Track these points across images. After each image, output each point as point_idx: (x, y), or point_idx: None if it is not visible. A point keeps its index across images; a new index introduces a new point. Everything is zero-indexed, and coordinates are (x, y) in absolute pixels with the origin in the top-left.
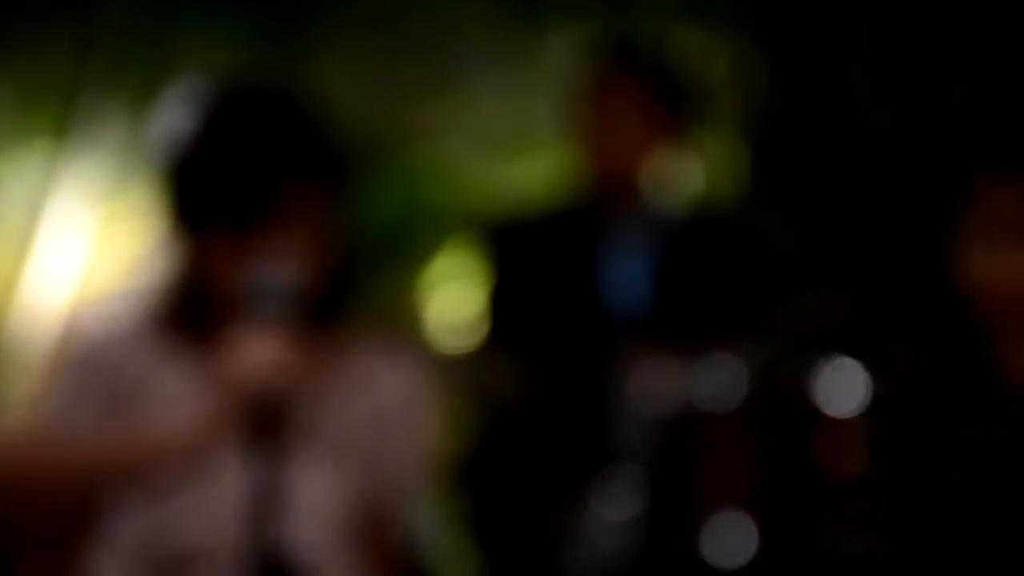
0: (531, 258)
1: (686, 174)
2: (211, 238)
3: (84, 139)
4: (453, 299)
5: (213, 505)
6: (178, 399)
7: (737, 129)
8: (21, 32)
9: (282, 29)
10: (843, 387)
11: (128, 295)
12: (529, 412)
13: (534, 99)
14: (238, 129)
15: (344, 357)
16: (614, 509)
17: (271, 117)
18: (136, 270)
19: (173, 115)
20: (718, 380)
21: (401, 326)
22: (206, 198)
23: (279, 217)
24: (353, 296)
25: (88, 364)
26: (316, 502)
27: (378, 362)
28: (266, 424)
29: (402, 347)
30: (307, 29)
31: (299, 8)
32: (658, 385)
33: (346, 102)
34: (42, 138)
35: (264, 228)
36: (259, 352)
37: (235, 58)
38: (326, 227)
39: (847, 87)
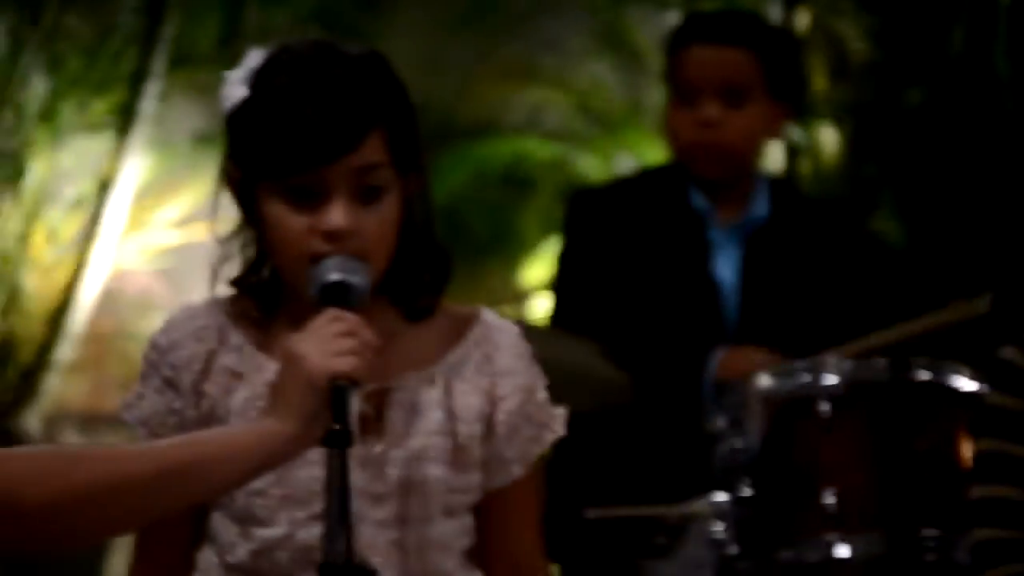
0: (630, 242)
1: (783, 162)
2: (283, 209)
3: (149, 129)
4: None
5: (294, 497)
6: (242, 376)
7: (840, 115)
8: (84, 21)
9: (350, 14)
10: (974, 385)
11: (196, 299)
12: (626, 413)
13: (631, 84)
14: (311, 76)
15: (440, 341)
16: (715, 522)
17: (346, 66)
18: (207, 257)
19: (245, 74)
20: (835, 377)
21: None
22: (271, 148)
23: (359, 178)
24: (446, 276)
25: (150, 359)
26: (411, 478)
27: (484, 344)
28: (338, 413)
29: (509, 327)
30: (375, 15)
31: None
32: (764, 385)
33: (435, 85)
34: (106, 129)
35: (340, 194)
36: (340, 342)
37: None
38: (411, 198)
39: (978, 67)
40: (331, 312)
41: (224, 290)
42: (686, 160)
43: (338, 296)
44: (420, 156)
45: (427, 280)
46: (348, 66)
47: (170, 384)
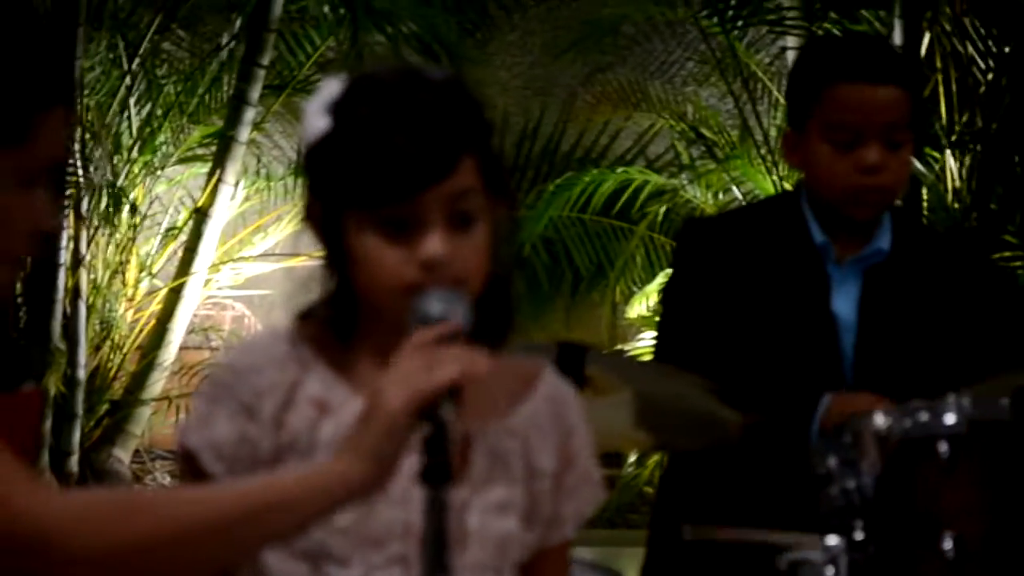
0: (745, 274)
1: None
2: (375, 240)
3: (245, 158)
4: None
5: (372, 538)
6: (328, 408)
7: (965, 143)
8: (182, 48)
9: (453, 38)
10: None
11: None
12: (735, 452)
13: (743, 112)
14: (398, 103)
15: (510, 391)
16: (827, 566)
17: (432, 91)
18: (295, 289)
19: (325, 104)
20: (955, 416)
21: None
22: (363, 178)
23: (452, 204)
24: (514, 313)
25: (224, 381)
26: (488, 528)
27: (553, 401)
28: (436, 447)
29: (569, 385)
30: (479, 39)
31: (466, 19)
32: (880, 424)
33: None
34: (202, 158)
35: (435, 222)
36: (431, 355)
37: None
38: (501, 230)
39: None
40: (416, 336)
41: (300, 310)
42: (842, 204)
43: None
44: (508, 181)
45: (499, 316)
46: (434, 91)
47: (247, 410)
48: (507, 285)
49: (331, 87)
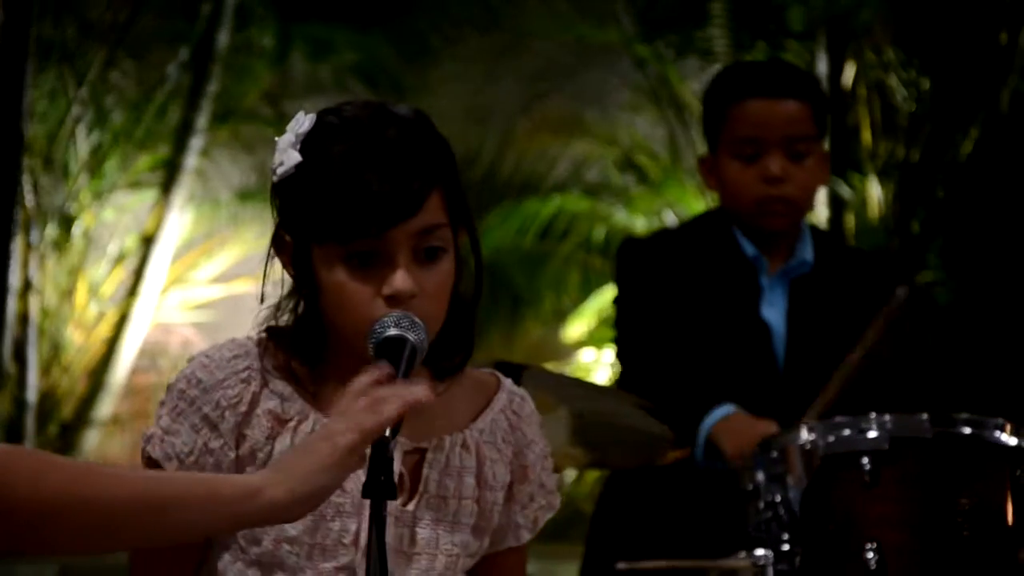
0: (682, 287)
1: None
2: (343, 274)
3: (191, 185)
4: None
5: (322, 547)
6: (285, 422)
7: (887, 169)
8: (129, 78)
9: (393, 68)
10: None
11: (240, 339)
12: (664, 469)
13: (674, 139)
14: (367, 141)
15: (467, 404)
16: None
17: (400, 127)
18: (248, 312)
19: (295, 140)
20: (877, 432)
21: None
22: (334, 214)
23: (420, 239)
24: (472, 336)
25: (189, 396)
26: (439, 541)
27: (509, 413)
28: (383, 471)
29: (525, 395)
30: (418, 69)
31: (406, 49)
32: (804, 439)
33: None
34: (150, 185)
35: (402, 257)
36: (379, 400)
37: (344, 97)
38: (462, 257)
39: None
40: (356, 381)
41: (263, 328)
42: (751, 216)
43: (394, 351)
44: (469, 213)
45: (458, 340)
46: (402, 127)
47: (210, 423)
48: (470, 310)
49: (301, 122)
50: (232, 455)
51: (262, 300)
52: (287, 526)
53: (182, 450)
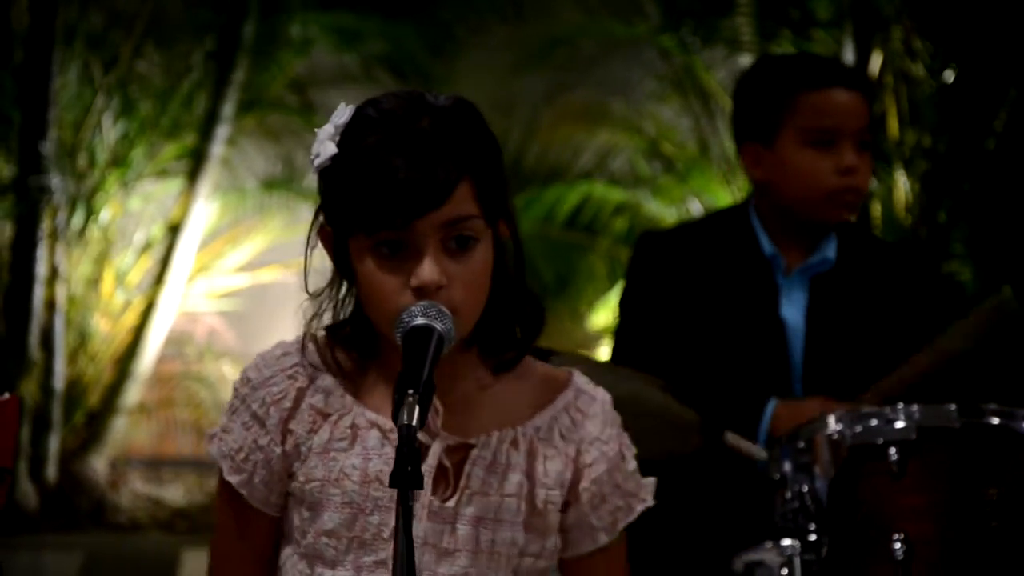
0: (697, 285)
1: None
2: (374, 265)
3: (217, 174)
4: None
5: (361, 540)
6: (327, 416)
7: (913, 159)
8: (156, 67)
9: (419, 57)
10: None
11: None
12: (692, 459)
13: (701, 128)
14: (399, 131)
15: (530, 402)
16: (782, 568)
17: (434, 118)
18: (274, 301)
19: (334, 131)
20: (905, 423)
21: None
22: (361, 205)
23: (448, 230)
24: (538, 329)
25: (241, 394)
26: (479, 538)
27: (573, 411)
28: (411, 461)
29: (601, 395)
30: (444, 58)
31: (433, 39)
32: (832, 430)
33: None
34: (176, 174)
35: (430, 248)
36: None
37: (371, 89)
38: (503, 247)
39: None
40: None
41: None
42: (820, 206)
43: (421, 340)
44: (508, 203)
45: (517, 333)
46: (436, 117)
47: (258, 419)
48: (515, 299)
49: (341, 113)
50: (279, 450)
51: (306, 289)
52: (325, 518)
53: (233, 447)
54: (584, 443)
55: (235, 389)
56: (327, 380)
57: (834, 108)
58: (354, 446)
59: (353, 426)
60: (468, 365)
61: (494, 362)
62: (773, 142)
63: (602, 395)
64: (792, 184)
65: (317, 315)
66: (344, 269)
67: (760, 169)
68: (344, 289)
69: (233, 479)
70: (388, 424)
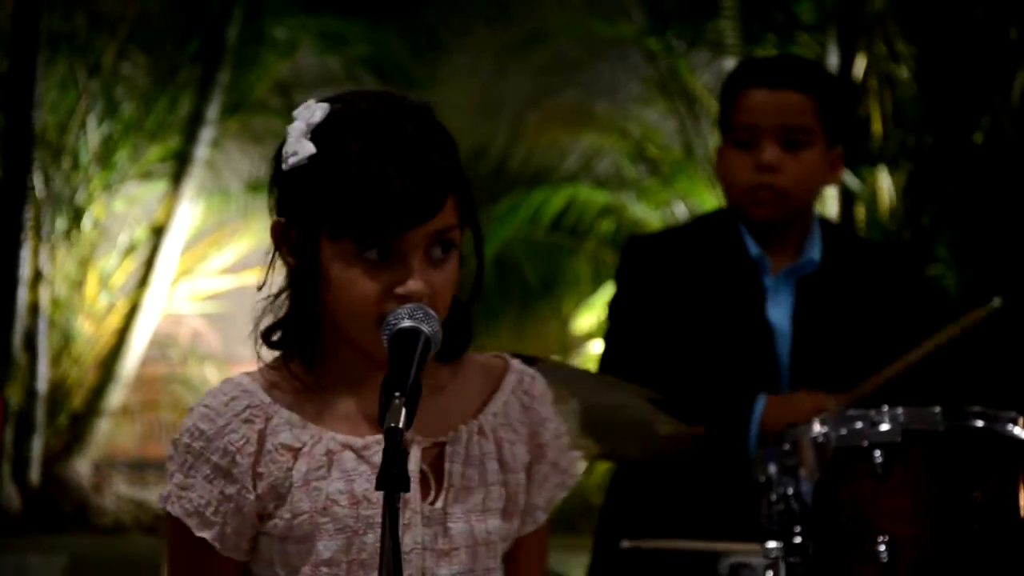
0: (684, 288)
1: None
2: (354, 271)
3: (202, 176)
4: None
5: (359, 561)
6: (299, 451)
7: (897, 161)
8: (141, 69)
9: (404, 60)
10: None
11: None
12: (677, 460)
13: (686, 131)
14: (385, 137)
15: (478, 390)
16: (767, 570)
17: (416, 123)
18: (258, 309)
19: (308, 130)
20: (890, 425)
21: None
22: (352, 211)
23: (434, 240)
24: (470, 322)
25: (195, 448)
26: (472, 532)
27: (520, 393)
28: (397, 463)
29: (536, 374)
30: (428, 61)
31: (417, 42)
32: (817, 432)
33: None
34: (160, 176)
35: (416, 256)
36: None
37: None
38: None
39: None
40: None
41: (267, 353)
42: (742, 203)
43: (408, 342)
44: (475, 211)
45: (458, 329)
46: (417, 124)
47: (221, 471)
48: (467, 304)
49: (311, 111)
50: (251, 496)
51: (259, 288)
52: (320, 548)
53: (199, 503)
54: (537, 425)
55: (185, 444)
56: (284, 413)
57: (751, 106)
58: (332, 471)
59: (328, 452)
60: (427, 367)
61: (440, 353)
62: (725, 142)
63: (536, 374)
64: (723, 180)
65: (266, 322)
66: (307, 272)
67: (718, 169)
68: (296, 294)
69: (206, 534)
70: (359, 442)
